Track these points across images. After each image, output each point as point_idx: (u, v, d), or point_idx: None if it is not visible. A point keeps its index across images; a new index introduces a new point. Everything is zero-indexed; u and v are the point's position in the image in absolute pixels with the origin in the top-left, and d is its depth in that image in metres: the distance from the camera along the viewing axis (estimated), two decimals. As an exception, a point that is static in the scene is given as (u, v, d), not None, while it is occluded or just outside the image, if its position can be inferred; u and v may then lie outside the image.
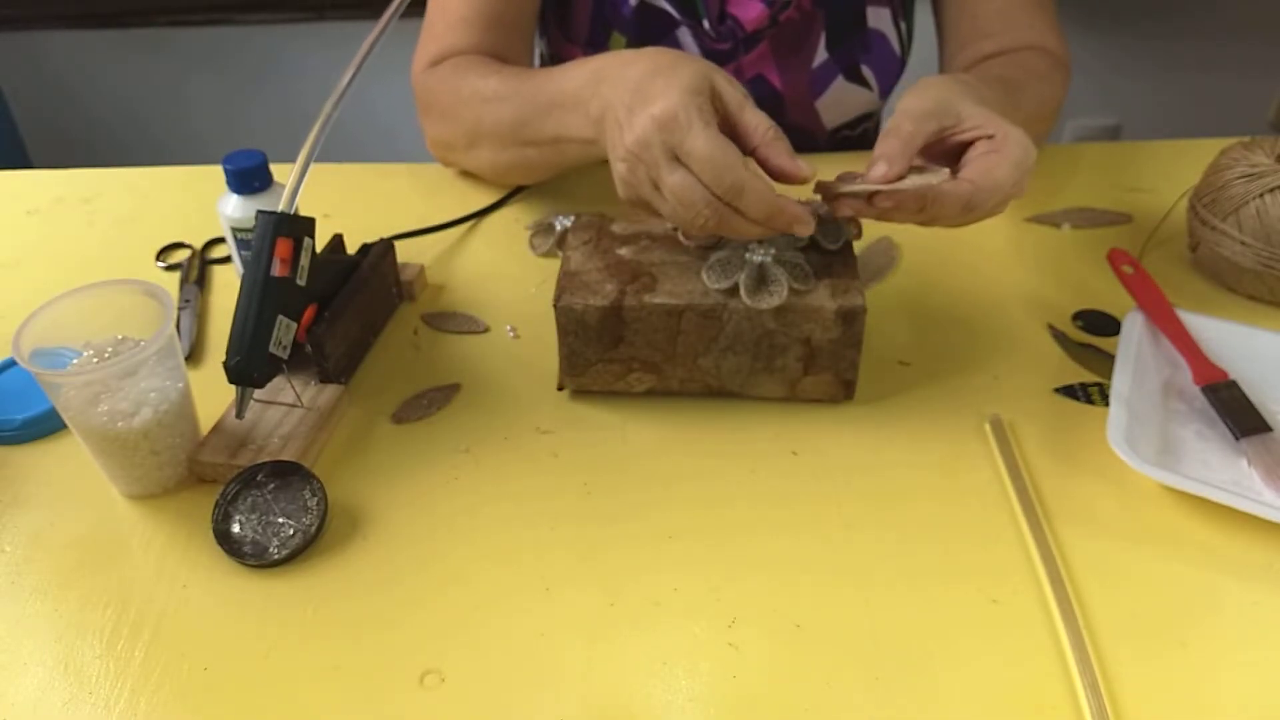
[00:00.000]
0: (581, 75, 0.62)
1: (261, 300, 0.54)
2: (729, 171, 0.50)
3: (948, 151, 0.56)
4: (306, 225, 0.56)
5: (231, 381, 0.55)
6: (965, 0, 0.77)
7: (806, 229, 0.52)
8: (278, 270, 0.55)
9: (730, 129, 0.53)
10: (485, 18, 0.76)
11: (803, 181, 0.53)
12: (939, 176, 0.53)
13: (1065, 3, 1.85)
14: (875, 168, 0.53)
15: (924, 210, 0.53)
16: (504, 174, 0.77)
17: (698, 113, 0.51)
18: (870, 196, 0.53)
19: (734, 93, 0.53)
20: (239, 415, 0.56)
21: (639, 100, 0.53)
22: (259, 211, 0.55)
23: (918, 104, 0.54)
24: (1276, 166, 0.64)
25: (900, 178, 0.53)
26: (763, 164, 0.53)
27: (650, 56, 0.56)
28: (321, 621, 0.48)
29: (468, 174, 0.83)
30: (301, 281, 0.56)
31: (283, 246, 0.55)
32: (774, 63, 0.81)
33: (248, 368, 0.54)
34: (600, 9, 0.80)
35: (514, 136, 0.69)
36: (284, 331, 0.55)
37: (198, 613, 0.49)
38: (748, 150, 0.53)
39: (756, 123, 0.53)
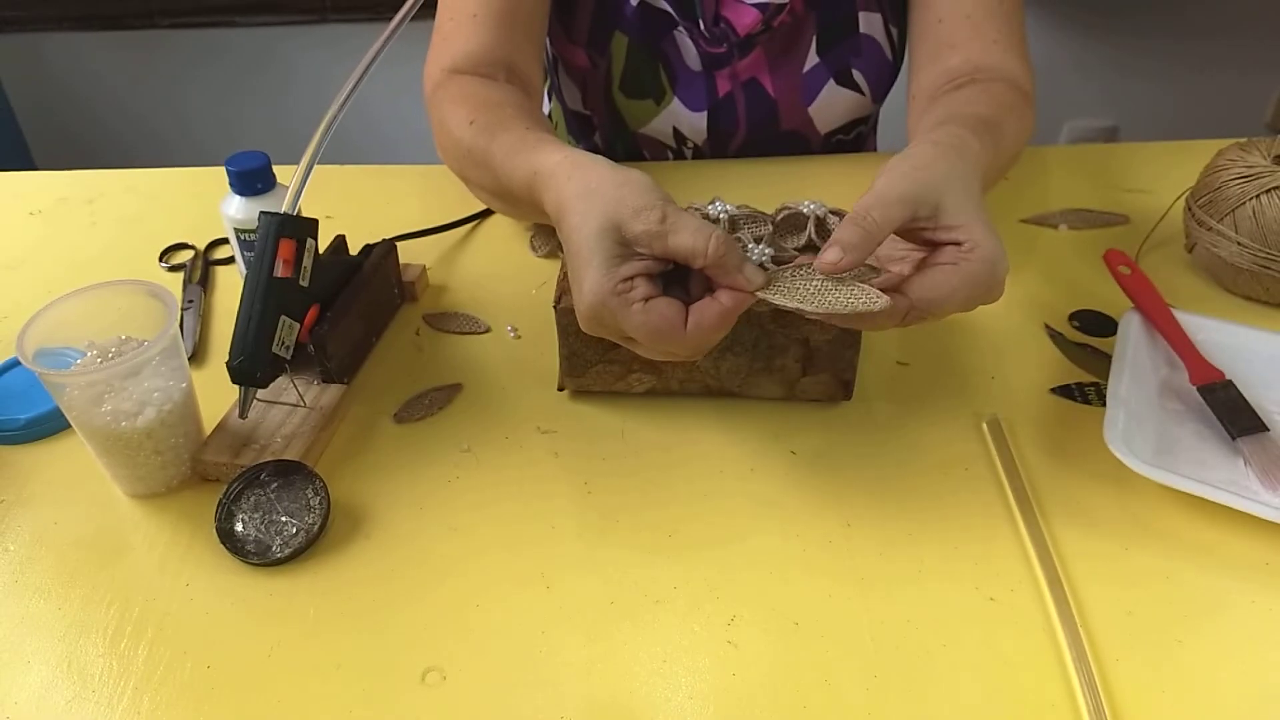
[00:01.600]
0: (531, 182, 0.57)
1: (264, 301, 0.54)
2: (667, 342, 0.48)
3: (919, 244, 0.52)
4: (309, 226, 0.57)
5: (235, 382, 0.55)
6: (932, 6, 0.75)
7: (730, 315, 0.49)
8: (280, 271, 0.55)
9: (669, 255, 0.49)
10: (495, 15, 0.74)
11: (752, 292, 0.49)
12: (880, 304, 0.47)
13: (1064, 3, 1.84)
14: (829, 252, 0.48)
15: (849, 324, 0.49)
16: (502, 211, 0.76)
17: (616, 295, 0.48)
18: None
19: (647, 228, 0.48)
20: (242, 415, 0.56)
21: (575, 273, 0.50)
22: (262, 213, 0.56)
23: (897, 187, 0.49)
24: (1273, 167, 0.65)
25: (853, 268, 0.48)
26: (713, 284, 0.49)
27: (571, 205, 0.51)
28: (323, 620, 0.49)
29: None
30: (304, 282, 0.56)
31: (285, 247, 0.55)
32: (767, 67, 0.82)
33: (251, 368, 0.54)
34: (602, 9, 0.81)
35: (496, 196, 0.67)
36: (287, 332, 0.55)
37: (201, 611, 0.49)
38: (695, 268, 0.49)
39: (691, 246, 0.47)
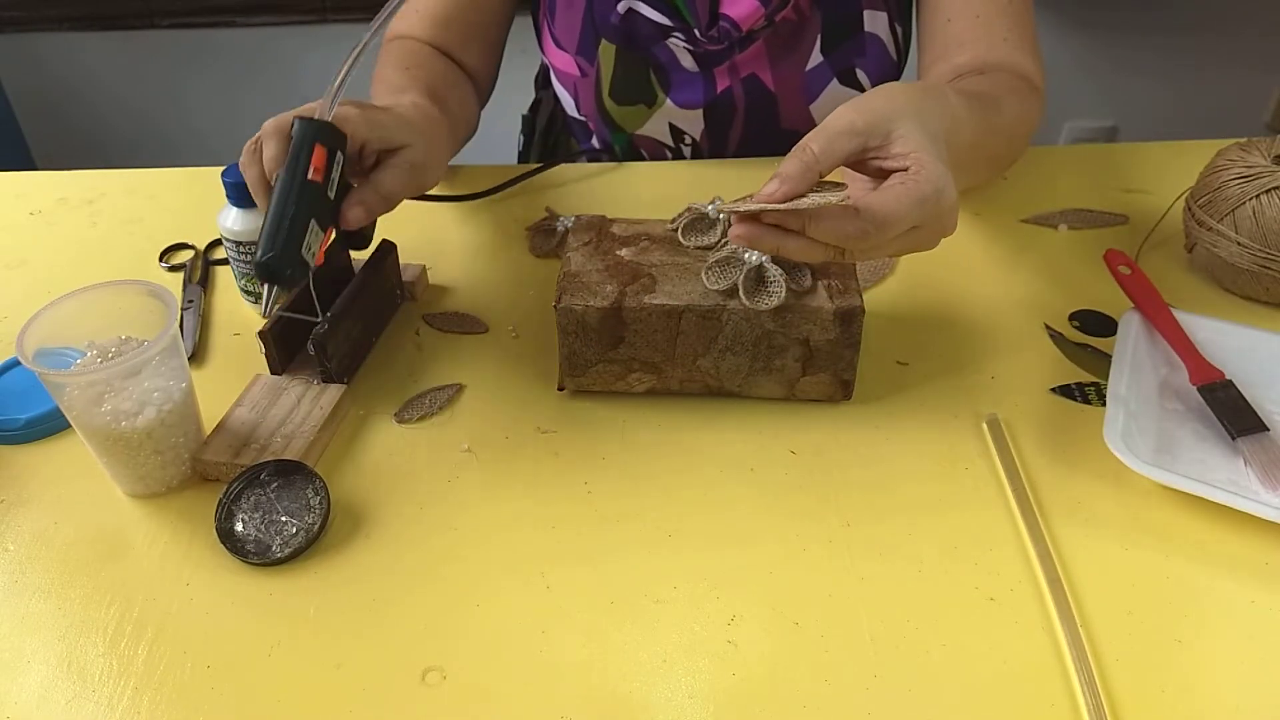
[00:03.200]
0: None
1: (297, 202, 0.54)
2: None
3: (872, 174, 0.52)
4: (340, 139, 0.57)
5: (261, 279, 0.55)
6: (941, 7, 0.76)
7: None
8: (312, 175, 0.55)
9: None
10: (435, 18, 0.81)
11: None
12: (837, 197, 0.48)
13: (1064, 3, 1.85)
14: (768, 185, 0.50)
15: (804, 236, 0.49)
16: None
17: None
18: (759, 215, 0.50)
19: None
20: (265, 314, 0.56)
21: None
22: (297, 118, 0.56)
23: (845, 118, 0.50)
24: (1273, 168, 0.65)
25: (792, 198, 0.49)
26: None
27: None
28: (324, 619, 0.49)
29: (466, 173, 0.84)
30: (331, 194, 0.56)
31: (319, 154, 0.55)
32: (768, 63, 0.81)
33: (279, 265, 0.54)
34: (590, 17, 0.81)
35: None
36: (314, 238, 0.55)
37: (201, 611, 0.49)
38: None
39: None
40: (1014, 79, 0.71)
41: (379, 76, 0.77)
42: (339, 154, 0.56)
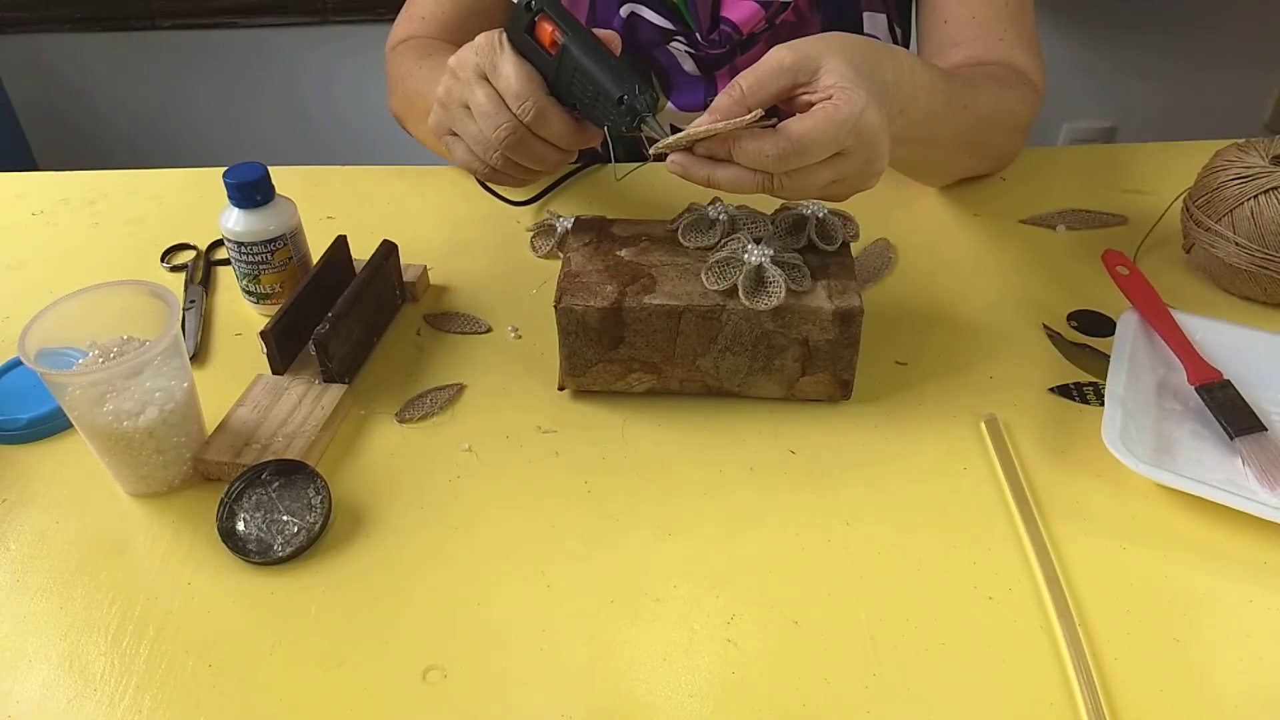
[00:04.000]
0: None
1: (601, 52, 0.55)
2: (532, 92, 0.56)
3: (801, 110, 0.53)
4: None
5: (625, 121, 0.55)
6: (938, 8, 0.76)
7: (596, 139, 0.59)
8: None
9: None
10: (442, 22, 0.81)
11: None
12: (751, 116, 0.50)
13: (1064, 4, 1.84)
14: (700, 119, 0.52)
15: (728, 158, 0.51)
16: (433, 146, 0.79)
17: (510, 45, 0.58)
18: (691, 148, 0.52)
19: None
20: (653, 152, 0.55)
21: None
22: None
23: (775, 56, 0.52)
24: (1271, 168, 0.65)
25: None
26: None
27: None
28: (325, 619, 0.49)
29: (471, 178, 0.84)
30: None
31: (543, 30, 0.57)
32: None
33: (638, 94, 0.54)
34: (592, 21, 0.81)
35: (422, 109, 0.72)
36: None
37: (202, 610, 0.49)
38: None
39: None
40: (1002, 70, 0.71)
41: (409, 73, 0.76)
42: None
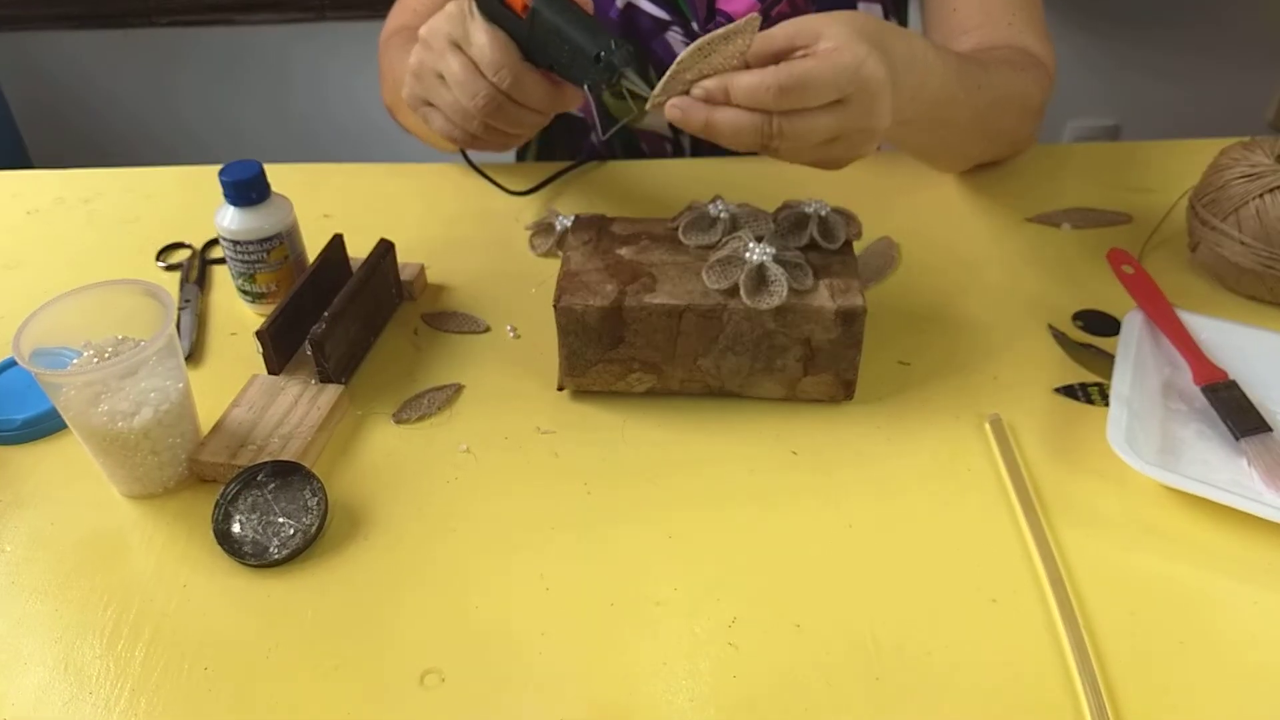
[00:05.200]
0: None
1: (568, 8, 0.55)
2: (507, 59, 0.56)
3: None
4: None
5: (604, 78, 0.54)
6: None
7: (576, 99, 0.59)
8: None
9: None
10: (432, 11, 0.79)
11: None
12: (752, 22, 0.50)
13: (1066, 3, 1.84)
14: (707, 81, 0.52)
15: (730, 97, 0.51)
16: (424, 136, 0.80)
17: (480, 12, 0.57)
18: (688, 91, 0.52)
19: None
20: (649, 104, 0.54)
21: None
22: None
23: (779, 25, 0.52)
24: (1276, 166, 0.64)
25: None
26: None
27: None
28: (321, 621, 0.48)
29: (467, 172, 0.83)
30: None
31: None
32: None
33: (614, 48, 0.53)
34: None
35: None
36: None
37: (198, 613, 0.49)
38: None
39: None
40: (1014, 53, 0.71)
41: (398, 61, 0.75)
42: None
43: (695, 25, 0.79)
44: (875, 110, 0.51)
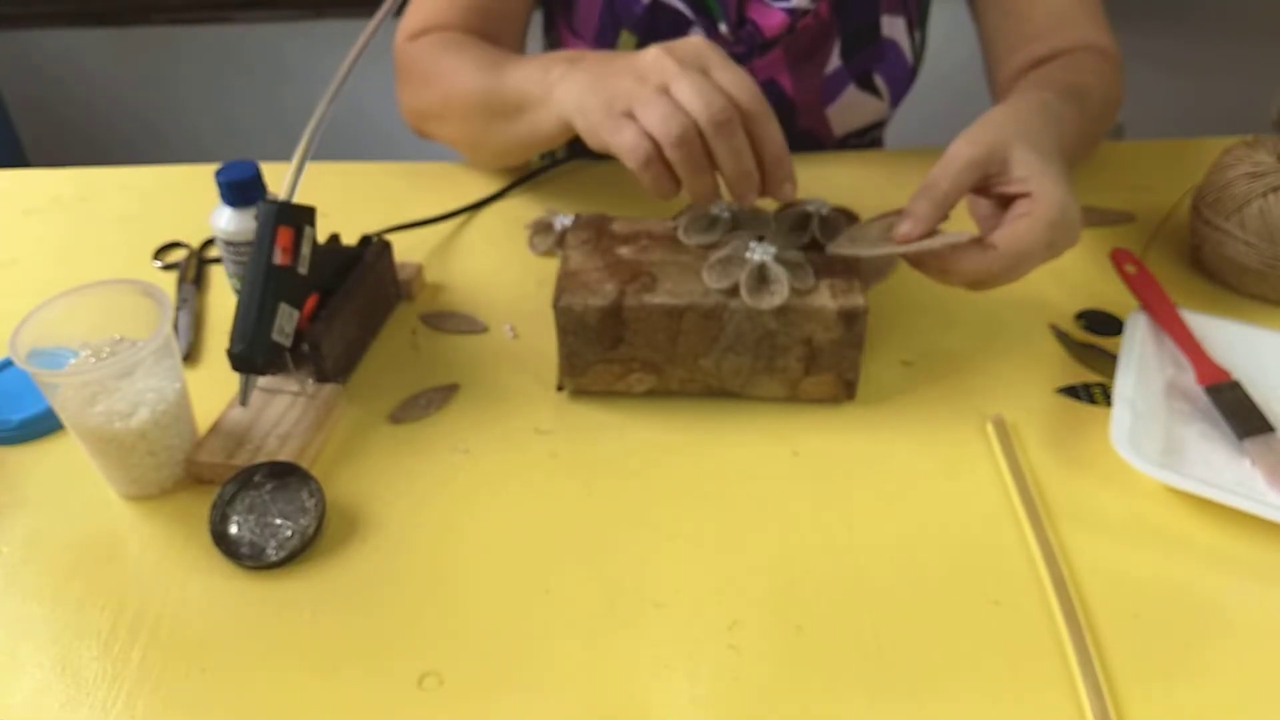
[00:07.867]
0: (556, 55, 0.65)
1: (264, 288, 0.54)
2: (756, 90, 0.54)
3: (994, 199, 0.57)
4: (307, 214, 0.57)
5: (236, 369, 0.55)
6: (1008, 7, 0.77)
7: (788, 196, 0.57)
8: (279, 259, 0.55)
9: None
10: (469, 6, 0.78)
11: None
12: (965, 237, 0.53)
13: (1066, 1, 1.81)
14: (903, 224, 0.54)
15: (945, 271, 0.54)
16: (472, 147, 0.78)
17: (717, 51, 0.56)
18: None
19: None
20: (243, 403, 0.56)
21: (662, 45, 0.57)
22: (261, 201, 0.56)
23: (965, 151, 0.54)
24: (1279, 165, 0.64)
25: (924, 236, 0.54)
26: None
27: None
28: (319, 623, 0.48)
29: (466, 170, 0.83)
30: (303, 270, 0.57)
31: (284, 235, 0.55)
32: (787, 68, 0.81)
33: (251, 355, 0.54)
34: (610, 6, 0.80)
35: (481, 106, 0.70)
36: (286, 319, 0.56)
37: (195, 614, 0.49)
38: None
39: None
40: (1091, 57, 0.74)
41: (452, 69, 0.72)
42: (306, 229, 0.57)
43: (724, 27, 0.79)
44: (1075, 237, 0.54)
